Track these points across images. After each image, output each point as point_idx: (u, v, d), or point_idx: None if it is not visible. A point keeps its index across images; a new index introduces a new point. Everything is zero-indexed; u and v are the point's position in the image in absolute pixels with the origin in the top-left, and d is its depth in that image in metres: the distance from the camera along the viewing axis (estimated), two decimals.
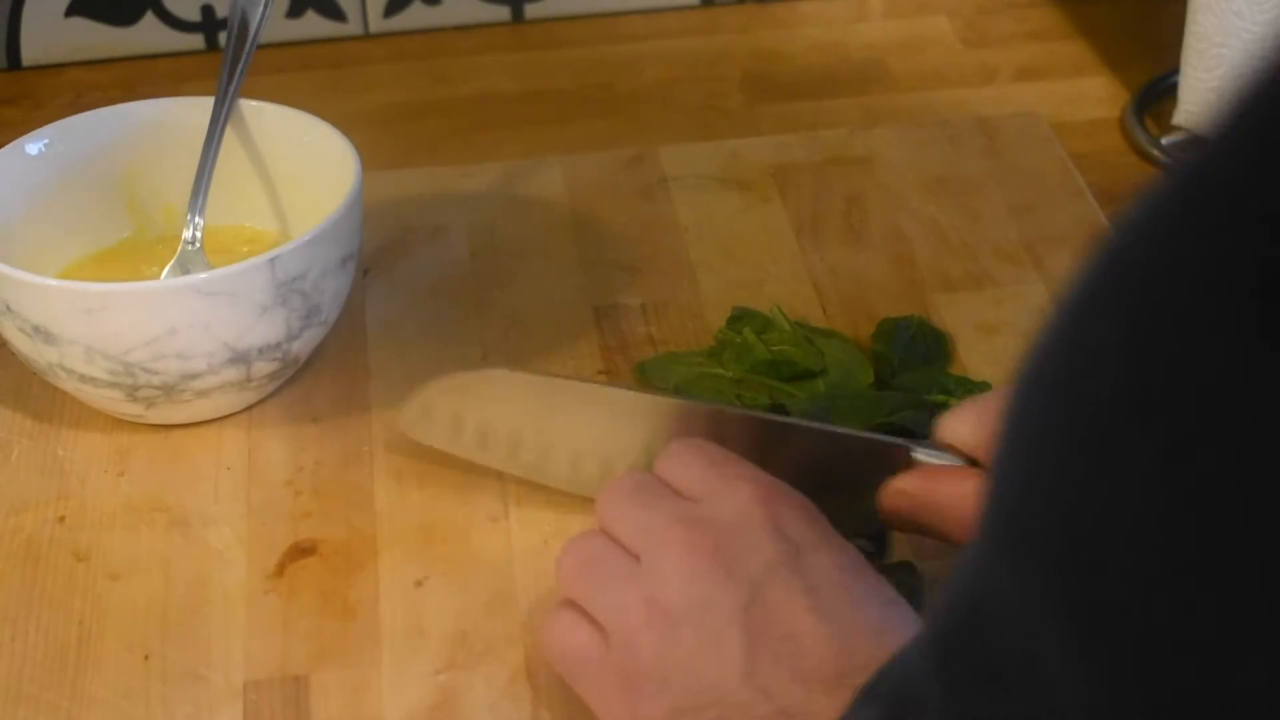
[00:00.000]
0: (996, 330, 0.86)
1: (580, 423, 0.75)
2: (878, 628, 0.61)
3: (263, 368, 0.79)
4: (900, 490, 0.69)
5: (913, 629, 0.61)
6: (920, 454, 0.70)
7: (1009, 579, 0.40)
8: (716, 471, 0.67)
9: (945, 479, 0.69)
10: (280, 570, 0.75)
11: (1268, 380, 0.35)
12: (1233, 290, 0.36)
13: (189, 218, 0.85)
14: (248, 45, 0.86)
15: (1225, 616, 0.36)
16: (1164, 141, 1.01)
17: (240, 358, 0.78)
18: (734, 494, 0.65)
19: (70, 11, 1.09)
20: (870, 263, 0.91)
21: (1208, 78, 0.97)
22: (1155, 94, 1.05)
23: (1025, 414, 0.41)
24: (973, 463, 0.69)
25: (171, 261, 0.85)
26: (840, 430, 0.73)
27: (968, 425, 0.69)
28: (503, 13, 1.14)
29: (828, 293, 0.89)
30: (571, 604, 0.66)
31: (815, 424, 0.74)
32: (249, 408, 0.82)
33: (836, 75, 1.09)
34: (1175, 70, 1.01)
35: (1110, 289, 0.39)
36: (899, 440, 0.71)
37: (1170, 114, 1.01)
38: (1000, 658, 0.41)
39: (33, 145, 0.85)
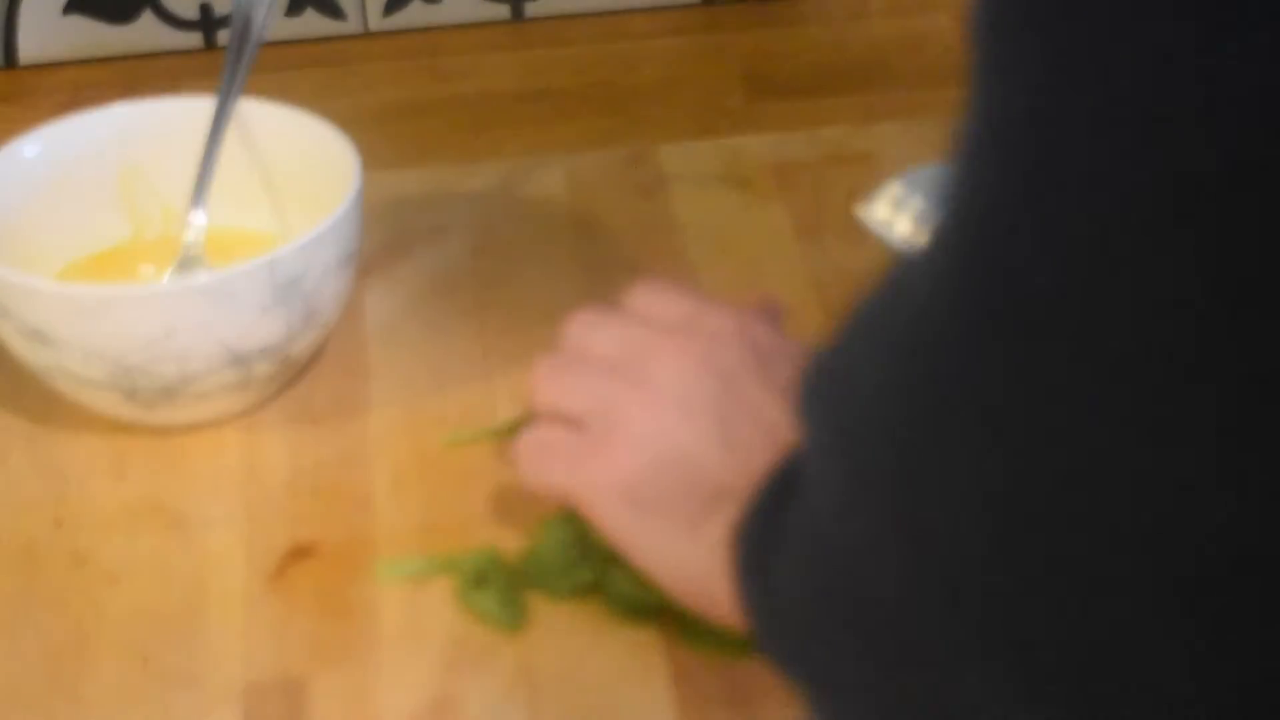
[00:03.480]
0: None
1: None
2: None
3: (262, 369, 0.79)
4: None
5: None
6: None
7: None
8: (693, 303, 0.72)
9: None
10: (279, 572, 0.75)
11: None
12: None
13: (189, 219, 0.85)
14: (250, 44, 0.86)
15: None
16: None
17: (240, 360, 0.78)
18: (716, 313, 0.71)
19: (68, 9, 1.09)
20: (871, 262, 0.90)
21: None
22: None
23: None
24: None
25: (173, 264, 0.85)
26: None
27: None
28: (502, 11, 1.13)
29: (828, 291, 0.89)
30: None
31: None
32: (248, 410, 0.82)
33: (837, 73, 1.09)
34: None
35: None
36: None
37: None
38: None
39: (29, 147, 0.85)
